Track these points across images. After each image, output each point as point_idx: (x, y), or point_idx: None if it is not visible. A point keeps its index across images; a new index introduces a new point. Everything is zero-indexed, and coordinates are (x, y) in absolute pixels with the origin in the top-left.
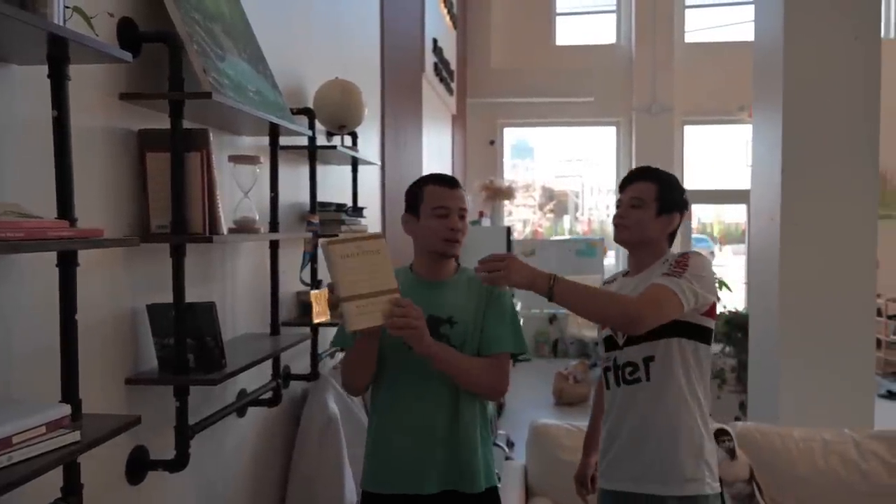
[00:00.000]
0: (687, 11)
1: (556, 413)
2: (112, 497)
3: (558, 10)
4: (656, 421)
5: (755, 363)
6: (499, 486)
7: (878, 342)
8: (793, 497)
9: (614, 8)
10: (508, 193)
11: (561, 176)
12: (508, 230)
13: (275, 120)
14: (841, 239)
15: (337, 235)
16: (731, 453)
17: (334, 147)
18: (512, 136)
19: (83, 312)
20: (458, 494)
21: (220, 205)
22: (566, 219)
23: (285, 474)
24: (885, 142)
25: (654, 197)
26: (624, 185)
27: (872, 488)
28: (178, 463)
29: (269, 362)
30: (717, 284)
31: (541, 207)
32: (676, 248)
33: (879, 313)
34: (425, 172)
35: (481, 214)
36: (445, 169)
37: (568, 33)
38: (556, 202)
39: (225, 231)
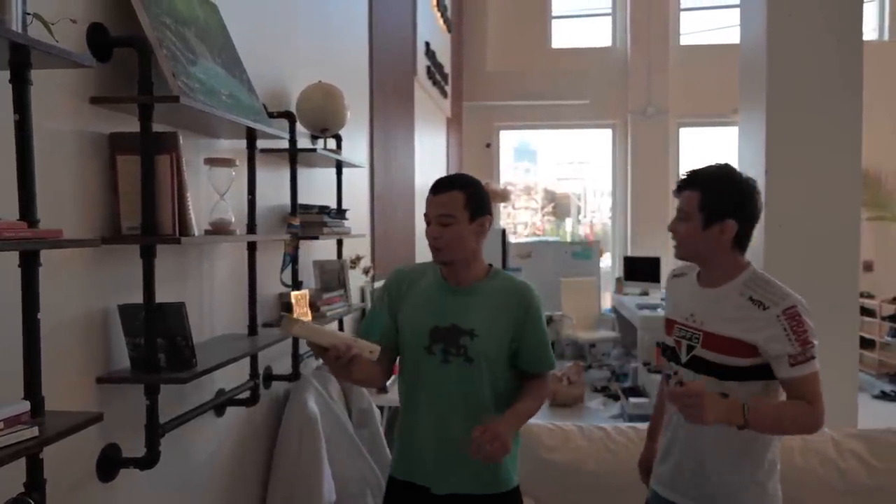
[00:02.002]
0: (682, 14)
1: (551, 414)
2: (83, 494)
3: (554, 14)
4: (722, 458)
5: None
6: None
7: (873, 343)
8: None
9: (609, 11)
10: (504, 196)
11: (563, 178)
12: (504, 232)
13: (247, 123)
14: (824, 239)
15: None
16: None
17: (314, 150)
18: (514, 138)
19: (52, 312)
20: (474, 497)
21: (190, 206)
22: (568, 221)
23: (267, 473)
24: (877, 143)
25: (697, 207)
26: (676, 193)
27: (850, 486)
28: (149, 461)
29: (246, 362)
30: None
31: (543, 210)
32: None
33: (874, 314)
34: (418, 175)
35: None
36: (439, 172)
37: (563, 36)
38: (554, 204)
39: (197, 232)
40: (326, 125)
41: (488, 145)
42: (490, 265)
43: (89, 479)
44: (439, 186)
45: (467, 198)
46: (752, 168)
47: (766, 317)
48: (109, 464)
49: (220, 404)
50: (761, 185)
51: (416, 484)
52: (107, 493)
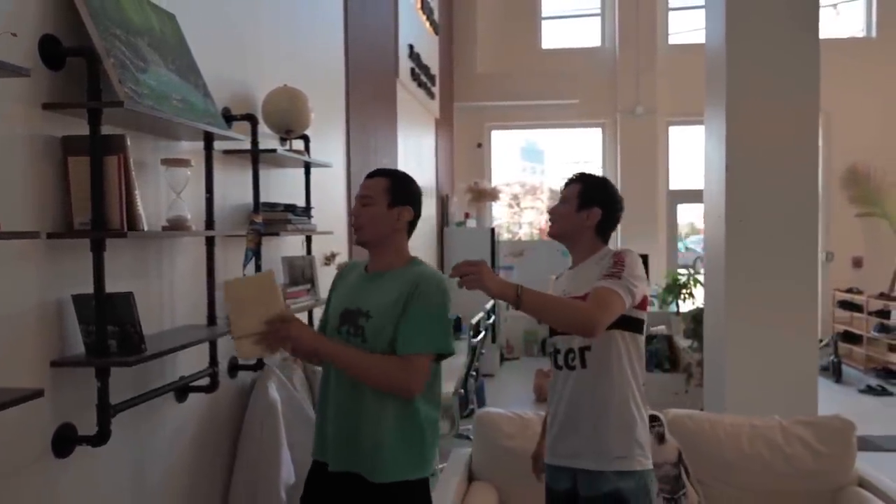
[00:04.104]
0: (670, 14)
1: (536, 410)
2: (39, 468)
3: (543, 14)
4: (590, 404)
5: (708, 356)
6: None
7: (860, 338)
8: (719, 479)
9: (598, 11)
10: (493, 195)
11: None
12: (493, 231)
13: (197, 125)
14: (784, 234)
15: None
16: (661, 438)
17: (274, 151)
18: (521, 138)
19: (6, 300)
20: (361, 478)
21: (139, 203)
22: None
23: (233, 457)
24: (866, 139)
25: (576, 195)
26: (563, 188)
27: (795, 471)
28: (100, 438)
29: (206, 351)
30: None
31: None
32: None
33: (861, 310)
34: None
35: (467, 216)
36: (429, 172)
37: (553, 37)
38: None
39: (147, 228)
40: (290, 127)
41: (479, 145)
42: (414, 258)
43: (45, 454)
44: (370, 174)
45: (390, 185)
46: (715, 166)
47: (604, 265)
48: (64, 441)
49: (178, 390)
50: (722, 181)
51: (320, 462)
52: (62, 468)
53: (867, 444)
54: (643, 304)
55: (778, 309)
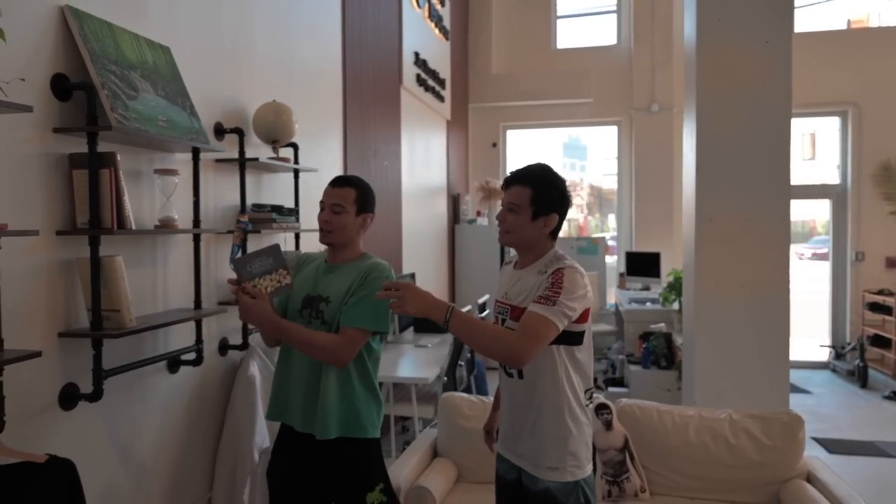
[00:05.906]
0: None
1: None
2: (48, 417)
3: (559, 13)
4: (527, 414)
5: (685, 352)
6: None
7: (889, 342)
8: (663, 465)
9: (615, 9)
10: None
11: (609, 174)
12: None
13: (176, 140)
14: (754, 233)
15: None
16: (608, 425)
17: (256, 159)
18: (564, 134)
19: (24, 283)
20: (315, 438)
21: (128, 207)
22: (611, 217)
23: (222, 424)
24: (891, 134)
25: (528, 202)
26: (504, 187)
27: (738, 461)
28: (95, 395)
29: (192, 330)
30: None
31: (589, 207)
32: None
33: (890, 312)
34: (405, 176)
35: (478, 214)
36: (438, 173)
37: (568, 35)
38: (591, 201)
39: (134, 227)
40: (276, 137)
41: (494, 145)
42: (364, 252)
43: (53, 407)
44: (337, 182)
45: (357, 195)
46: (689, 164)
47: (543, 279)
48: (69, 397)
49: (169, 362)
50: (694, 180)
51: (285, 424)
52: (67, 419)
53: (872, 450)
54: (583, 317)
55: (748, 307)
